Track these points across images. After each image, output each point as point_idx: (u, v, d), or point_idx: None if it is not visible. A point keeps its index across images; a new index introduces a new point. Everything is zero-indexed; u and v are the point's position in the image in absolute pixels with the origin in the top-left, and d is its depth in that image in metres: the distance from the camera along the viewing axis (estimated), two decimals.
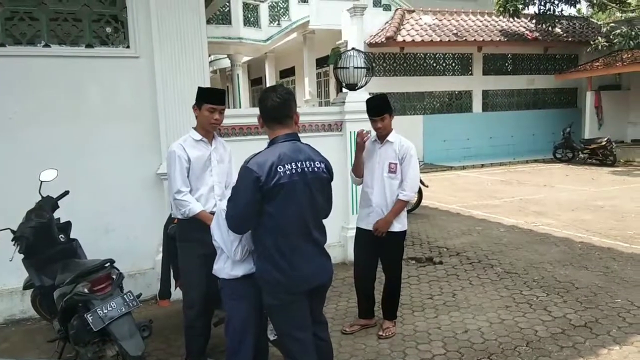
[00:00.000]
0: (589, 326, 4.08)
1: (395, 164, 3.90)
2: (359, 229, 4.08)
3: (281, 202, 2.49)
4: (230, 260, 2.78)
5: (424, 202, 8.89)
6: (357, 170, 4.09)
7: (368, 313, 4.20)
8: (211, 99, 3.39)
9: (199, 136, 3.44)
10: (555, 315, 4.31)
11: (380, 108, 3.85)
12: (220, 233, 2.78)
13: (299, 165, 2.53)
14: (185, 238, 3.43)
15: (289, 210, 2.52)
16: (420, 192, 8.70)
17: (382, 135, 3.93)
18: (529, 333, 4.00)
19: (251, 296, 2.77)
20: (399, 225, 3.95)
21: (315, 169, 2.61)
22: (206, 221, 3.20)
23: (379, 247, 4.01)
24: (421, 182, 8.63)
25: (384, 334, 4.01)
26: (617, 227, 7.28)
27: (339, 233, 5.94)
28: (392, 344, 3.90)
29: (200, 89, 3.48)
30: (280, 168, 2.47)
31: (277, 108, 2.60)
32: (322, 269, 2.71)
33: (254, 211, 2.51)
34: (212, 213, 3.23)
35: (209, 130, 3.47)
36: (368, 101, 3.95)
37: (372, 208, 3.94)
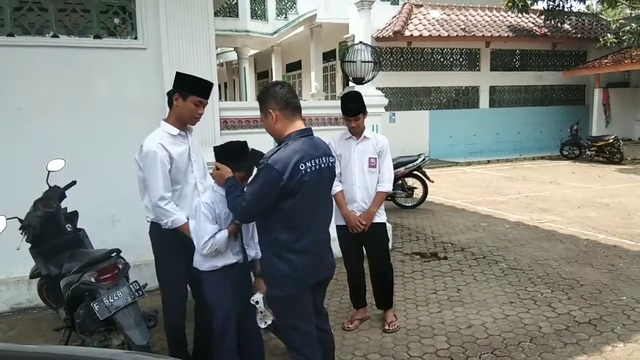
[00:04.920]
0: (593, 323, 4.07)
1: (375, 159, 3.98)
2: (341, 227, 4.04)
3: (299, 198, 2.46)
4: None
5: (429, 198, 8.88)
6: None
7: (362, 301, 4.26)
8: (200, 92, 3.03)
9: (175, 130, 3.05)
10: (560, 311, 4.31)
11: (357, 110, 3.85)
12: (194, 224, 2.84)
13: (317, 162, 2.52)
14: (167, 247, 3.15)
15: (305, 207, 2.50)
16: (425, 187, 8.71)
17: (358, 132, 3.97)
18: (533, 329, 4.00)
19: (232, 285, 2.90)
20: (382, 216, 4.07)
21: (330, 164, 2.62)
22: (189, 234, 2.95)
23: (363, 240, 4.07)
24: (426, 177, 8.67)
25: (389, 328, 4.02)
26: (623, 224, 7.25)
27: None
28: (395, 338, 3.91)
29: (186, 77, 3.04)
30: (302, 166, 2.44)
31: (294, 97, 2.60)
32: (327, 263, 2.74)
33: (266, 207, 2.49)
34: None
35: (189, 123, 3.14)
36: (344, 101, 3.91)
37: (356, 203, 3.97)
